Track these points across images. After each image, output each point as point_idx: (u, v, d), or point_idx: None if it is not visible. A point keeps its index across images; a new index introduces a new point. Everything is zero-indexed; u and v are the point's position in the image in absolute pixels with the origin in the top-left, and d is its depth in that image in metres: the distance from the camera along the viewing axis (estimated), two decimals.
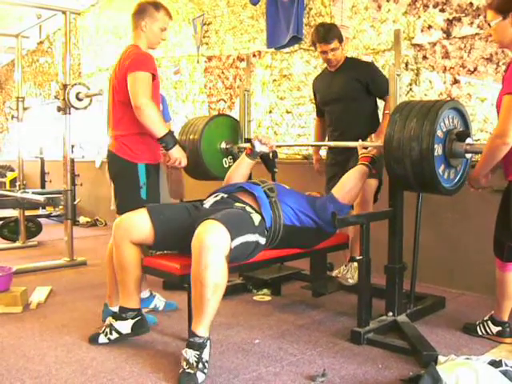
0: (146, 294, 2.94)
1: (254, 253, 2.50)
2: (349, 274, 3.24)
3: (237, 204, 2.61)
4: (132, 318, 2.64)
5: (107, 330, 2.65)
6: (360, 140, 2.99)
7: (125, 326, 2.64)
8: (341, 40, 3.38)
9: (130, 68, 2.75)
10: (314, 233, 2.81)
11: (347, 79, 3.37)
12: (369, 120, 3.43)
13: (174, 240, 2.54)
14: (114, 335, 2.64)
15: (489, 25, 2.46)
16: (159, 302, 3.14)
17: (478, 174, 2.54)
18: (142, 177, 2.87)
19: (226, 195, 2.72)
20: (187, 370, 2.20)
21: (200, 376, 2.20)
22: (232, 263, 2.40)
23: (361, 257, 2.69)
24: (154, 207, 2.64)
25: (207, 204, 2.68)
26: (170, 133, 2.84)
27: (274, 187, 2.78)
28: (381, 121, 3.42)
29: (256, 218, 2.51)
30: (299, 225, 2.73)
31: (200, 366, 2.21)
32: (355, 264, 3.23)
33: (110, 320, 2.67)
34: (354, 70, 3.38)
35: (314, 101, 3.86)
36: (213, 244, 2.18)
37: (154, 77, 2.81)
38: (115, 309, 2.81)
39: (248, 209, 2.58)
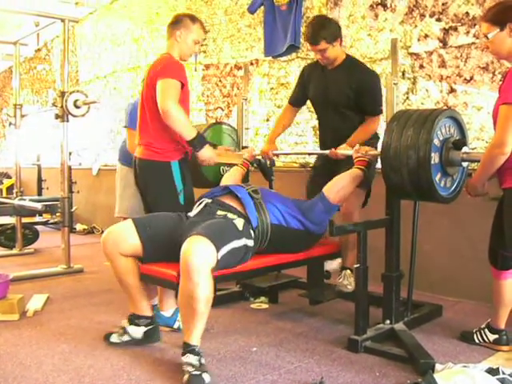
0: (170, 312, 2.91)
1: (247, 256, 2.57)
2: (345, 281, 3.23)
3: (219, 212, 2.67)
4: (145, 326, 2.71)
5: (120, 331, 2.73)
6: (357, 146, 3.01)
7: (137, 332, 2.71)
8: (331, 40, 3.11)
9: (161, 74, 2.75)
10: (302, 235, 2.84)
11: (341, 85, 3.20)
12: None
13: (163, 251, 2.58)
14: (126, 338, 2.73)
15: (486, 37, 2.45)
16: None
17: (476, 182, 2.56)
18: (178, 182, 2.86)
19: (210, 200, 2.77)
20: (194, 373, 2.25)
21: (206, 377, 2.25)
22: (227, 269, 2.45)
23: (358, 265, 2.70)
24: (140, 221, 2.67)
25: (192, 213, 2.72)
26: (199, 135, 2.84)
27: (258, 189, 2.85)
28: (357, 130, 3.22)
29: (239, 223, 2.57)
30: (286, 225, 2.78)
31: (204, 368, 2.28)
32: (348, 271, 3.23)
33: (124, 323, 2.74)
34: (349, 75, 3.18)
35: (295, 87, 3.57)
36: (200, 262, 2.24)
37: (183, 85, 2.82)
38: (166, 313, 2.88)
39: (230, 215, 2.64)
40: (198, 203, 2.78)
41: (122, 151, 4.00)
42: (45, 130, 8.30)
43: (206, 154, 2.89)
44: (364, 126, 3.20)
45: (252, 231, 2.63)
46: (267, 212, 2.73)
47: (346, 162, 3.07)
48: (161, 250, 2.58)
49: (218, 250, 2.31)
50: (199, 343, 2.33)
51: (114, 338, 2.73)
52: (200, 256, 2.24)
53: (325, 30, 3.10)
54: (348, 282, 3.20)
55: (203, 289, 2.24)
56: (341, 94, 3.21)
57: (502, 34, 2.38)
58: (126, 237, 2.58)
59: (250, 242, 2.57)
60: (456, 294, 3.58)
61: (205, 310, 2.28)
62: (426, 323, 3.08)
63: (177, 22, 2.97)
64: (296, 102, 3.57)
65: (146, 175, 2.94)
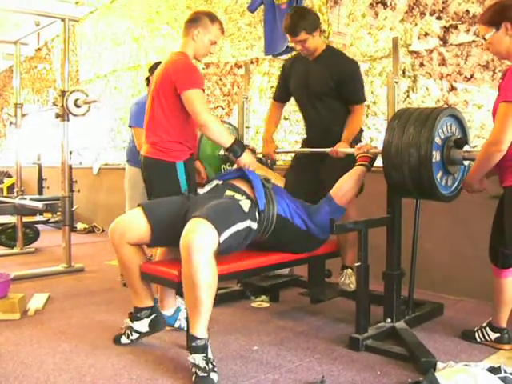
0: (171, 311, 2.92)
1: (247, 239, 2.56)
2: (347, 280, 3.22)
3: (227, 193, 2.66)
4: (147, 317, 2.72)
5: (128, 331, 2.73)
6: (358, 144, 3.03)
7: (142, 325, 2.72)
8: (311, 30, 3.08)
9: (182, 86, 2.71)
10: (304, 236, 2.83)
11: (322, 76, 3.16)
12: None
13: (170, 233, 2.54)
14: (135, 335, 2.72)
15: (484, 38, 2.48)
16: (184, 321, 2.88)
17: (473, 179, 2.57)
18: (183, 182, 2.85)
19: (221, 182, 2.78)
20: (201, 374, 2.23)
21: (214, 376, 2.24)
22: (227, 254, 2.45)
23: (359, 263, 2.69)
24: (147, 204, 2.69)
25: (201, 191, 2.73)
26: (237, 141, 2.83)
27: (271, 179, 2.84)
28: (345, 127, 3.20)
29: (245, 205, 2.56)
30: (291, 220, 2.78)
31: (210, 366, 2.25)
32: (349, 270, 3.22)
33: (127, 322, 2.74)
34: (330, 65, 3.15)
35: (278, 83, 3.55)
36: (201, 245, 2.22)
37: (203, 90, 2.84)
38: (166, 312, 2.87)
39: (237, 196, 2.63)
40: (209, 184, 2.79)
41: (131, 152, 4.01)
42: (45, 129, 8.30)
43: (247, 159, 2.83)
44: (353, 118, 3.19)
45: (257, 214, 2.61)
46: (276, 202, 2.72)
47: (332, 160, 3.09)
48: (168, 231, 2.55)
49: (220, 234, 2.29)
50: (205, 335, 2.29)
51: (124, 340, 2.73)
52: (201, 237, 2.23)
53: (304, 20, 3.08)
54: (350, 281, 3.20)
55: (204, 272, 2.21)
56: (322, 85, 3.19)
57: (498, 33, 2.40)
58: (134, 222, 2.59)
59: (254, 225, 2.57)
60: (457, 292, 3.58)
61: (207, 296, 2.24)
62: (427, 322, 3.07)
63: (195, 20, 2.91)
64: (280, 97, 3.53)
65: (151, 173, 2.94)
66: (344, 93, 3.16)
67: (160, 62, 4.01)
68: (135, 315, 2.72)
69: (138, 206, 2.67)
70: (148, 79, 4.04)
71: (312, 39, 3.11)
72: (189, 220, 2.33)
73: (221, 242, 2.30)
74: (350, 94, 3.17)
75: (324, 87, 3.18)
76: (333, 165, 3.10)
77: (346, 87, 3.14)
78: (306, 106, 3.38)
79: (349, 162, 3.03)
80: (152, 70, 3.98)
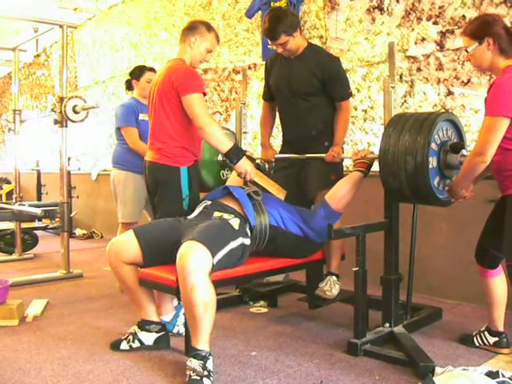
0: (169, 317, 2.92)
1: (245, 255, 2.60)
2: (327, 286, 3.17)
3: (215, 214, 2.68)
4: (156, 332, 2.74)
5: (130, 337, 2.73)
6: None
7: (148, 338, 2.73)
8: (291, 32, 3.02)
9: (183, 90, 2.74)
10: (301, 241, 2.85)
11: (306, 73, 3.13)
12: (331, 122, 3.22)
13: (161, 255, 2.59)
14: (136, 344, 2.73)
15: (466, 50, 2.50)
16: (182, 327, 2.87)
17: (457, 186, 2.60)
18: (185, 188, 2.86)
19: (209, 202, 2.79)
20: (194, 377, 2.24)
21: (206, 382, 2.24)
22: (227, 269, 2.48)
23: (357, 268, 2.70)
24: (140, 228, 2.74)
25: (191, 216, 2.74)
26: (235, 147, 2.82)
27: (260, 191, 2.84)
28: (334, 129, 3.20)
29: (235, 223, 2.59)
30: (284, 228, 2.79)
31: (206, 373, 2.26)
32: (334, 278, 3.19)
33: (134, 329, 2.75)
34: (313, 63, 3.11)
35: (264, 82, 3.47)
36: (195, 267, 2.24)
37: (204, 94, 2.85)
38: (165, 318, 2.87)
39: (226, 216, 2.65)
40: (199, 205, 2.80)
41: (118, 155, 3.99)
42: (44, 136, 8.31)
43: (242, 166, 2.82)
44: (342, 116, 3.18)
45: (249, 230, 2.64)
46: (266, 213, 2.74)
47: (315, 163, 3.14)
48: (159, 254, 2.60)
49: (213, 256, 2.32)
50: (207, 347, 2.31)
51: (124, 345, 2.73)
52: (195, 260, 2.25)
53: (282, 23, 3.01)
54: (328, 289, 3.15)
55: (199, 293, 2.23)
56: (307, 84, 3.15)
57: (480, 47, 2.44)
58: (127, 245, 2.62)
59: (247, 241, 2.60)
60: (455, 296, 3.58)
61: (204, 314, 2.26)
62: (426, 326, 3.07)
63: (192, 28, 2.96)
64: (268, 96, 3.45)
65: (155, 178, 2.94)
66: (331, 90, 3.15)
67: (143, 66, 4.05)
68: (144, 326, 2.73)
69: (131, 229, 2.71)
70: (129, 82, 4.05)
71: (293, 40, 3.06)
72: (182, 243, 2.35)
73: (214, 263, 2.33)
74: (338, 91, 3.16)
75: (308, 87, 3.15)
76: (317, 174, 3.14)
77: (332, 85, 3.13)
78: (287, 105, 3.30)
79: (331, 168, 3.10)
80: (133, 73, 4.00)
